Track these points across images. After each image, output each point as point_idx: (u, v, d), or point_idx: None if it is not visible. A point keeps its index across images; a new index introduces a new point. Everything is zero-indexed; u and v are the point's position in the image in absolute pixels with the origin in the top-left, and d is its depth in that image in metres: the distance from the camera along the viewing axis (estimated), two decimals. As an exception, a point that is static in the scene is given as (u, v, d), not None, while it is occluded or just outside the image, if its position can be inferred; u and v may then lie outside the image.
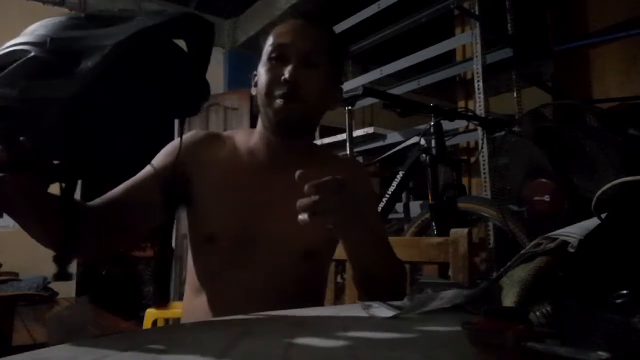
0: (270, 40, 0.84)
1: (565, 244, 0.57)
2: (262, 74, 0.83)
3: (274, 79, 0.81)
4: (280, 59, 0.82)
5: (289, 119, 0.81)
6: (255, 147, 0.88)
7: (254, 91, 0.90)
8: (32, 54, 0.47)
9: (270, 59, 0.83)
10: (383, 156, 2.45)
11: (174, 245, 4.23)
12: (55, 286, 3.42)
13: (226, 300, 0.82)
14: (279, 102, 0.80)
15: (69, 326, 0.56)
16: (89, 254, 0.85)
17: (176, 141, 0.81)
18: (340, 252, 0.90)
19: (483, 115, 2.10)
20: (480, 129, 2.17)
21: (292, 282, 0.84)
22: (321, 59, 0.83)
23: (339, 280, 1.38)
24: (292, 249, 0.84)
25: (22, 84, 0.46)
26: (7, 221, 3.66)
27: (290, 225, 0.67)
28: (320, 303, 0.95)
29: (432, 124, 1.94)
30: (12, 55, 0.48)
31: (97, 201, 0.78)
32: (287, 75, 0.79)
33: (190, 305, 0.87)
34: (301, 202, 0.63)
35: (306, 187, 0.63)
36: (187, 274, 0.91)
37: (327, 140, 3.03)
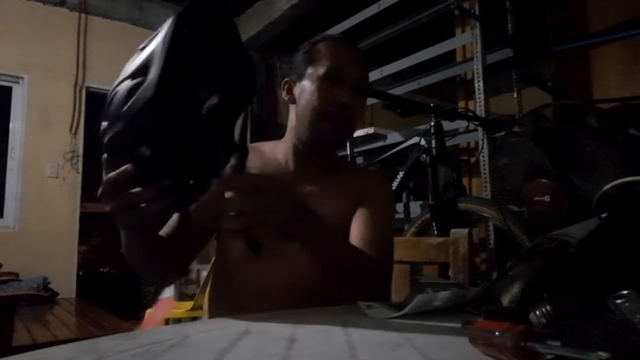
0: (323, 60, 0.89)
1: (565, 244, 0.57)
2: (313, 90, 0.88)
3: (329, 100, 0.87)
4: (335, 80, 0.87)
5: (336, 140, 0.91)
6: (284, 155, 0.94)
7: (285, 97, 0.96)
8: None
9: (325, 77, 0.87)
10: (383, 156, 2.45)
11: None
12: (55, 286, 3.42)
13: (249, 290, 0.86)
14: (330, 124, 0.87)
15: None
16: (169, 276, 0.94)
17: None
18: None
19: (483, 115, 2.10)
20: (480, 129, 2.17)
21: (311, 277, 0.85)
22: (365, 87, 0.92)
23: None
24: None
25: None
26: (7, 221, 3.66)
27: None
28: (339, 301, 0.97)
29: (432, 124, 1.94)
30: None
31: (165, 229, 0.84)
32: (345, 99, 0.86)
33: (215, 295, 0.94)
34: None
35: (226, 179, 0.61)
36: (213, 269, 0.99)
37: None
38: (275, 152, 0.95)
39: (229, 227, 0.60)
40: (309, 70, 0.90)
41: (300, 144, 0.92)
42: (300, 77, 0.91)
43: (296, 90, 0.92)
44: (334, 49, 0.90)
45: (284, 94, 0.95)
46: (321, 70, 0.88)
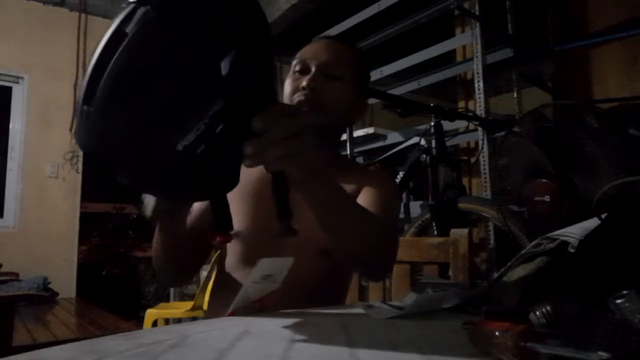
0: (296, 57, 0.94)
1: (565, 244, 0.57)
2: (285, 85, 0.93)
3: (294, 88, 0.90)
4: (302, 71, 0.91)
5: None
6: None
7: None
8: None
9: (293, 72, 0.92)
10: (383, 156, 2.45)
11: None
12: (55, 286, 3.42)
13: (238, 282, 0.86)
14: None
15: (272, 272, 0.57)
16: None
17: None
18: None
19: (483, 115, 2.10)
20: (480, 129, 2.17)
21: (309, 277, 0.86)
22: (340, 71, 0.90)
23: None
24: (311, 246, 0.85)
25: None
26: (7, 221, 3.66)
27: (309, 224, 0.68)
28: (339, 301, 0.96)
29: (432, 124, 1.94)
30: None
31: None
32: (304, 83, 0.88)
33: (214, 295, 0.95)
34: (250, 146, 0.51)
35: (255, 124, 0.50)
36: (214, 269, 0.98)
37: (327, 140, 3.03)
38: None
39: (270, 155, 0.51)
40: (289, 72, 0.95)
41: None
42: None
43: None
44: (306, 47, 0.95)
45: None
46: (292, 66, 0.93)
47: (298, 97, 0.88)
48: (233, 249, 0.90)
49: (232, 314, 0.71)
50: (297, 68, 0.91)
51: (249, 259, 0.87)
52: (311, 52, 0.92)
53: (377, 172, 1.08)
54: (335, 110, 0.90)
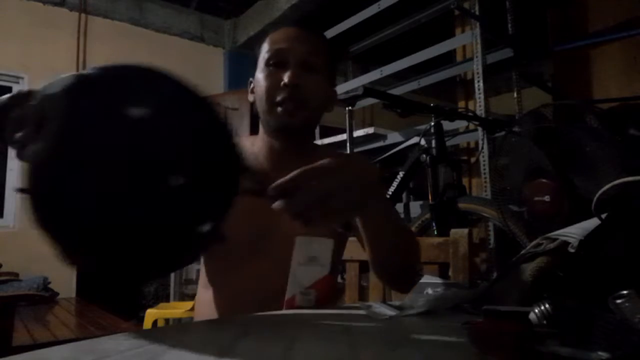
0: (266, 47, 0.85)
1: (565, 244, 0.57)
2: (260, 80, 0.85)
3: (274, 84, 0.82)
4: (278, 64, 0.83)
5: (290, 123, 0.83)
6: (260, 152, 0.90)
7: (251, 97, 0.91)
8: None
9: (267, 64, 0.84)
10: (383, 156, 2.45)
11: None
12: (55, 286, 3.42)
13: (232, 294, 0.84)
14: (279, 108, 0.82)
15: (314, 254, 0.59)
16: None
17: None
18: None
19: (483, 115, 2.10)
20: (480, 129, 2.17)
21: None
22: (318, 63, 0.85)
23: (339, 280, 1.38)
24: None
25: None
26: (7, 221, 3.66)
27: (295, 225, 0.67)
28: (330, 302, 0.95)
29: (432, 124, 1.94)
30: None
31: None
32: (286, 79, 0.80)
33: (201, 298, 0.91)
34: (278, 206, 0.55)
35: (269, 190, 0.55)
36: (200, 271, 0.95)
37: (327, 140, 3.04)
38: (253, 147, 0.92)
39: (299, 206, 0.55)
40: (259, 64, 0.87)
41: (268, 136, 0.88)
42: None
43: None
44: (276, 34, 0.86)
45: (249, 95, 0.92)
46: (264, 57, 0.85)
47: (280, 95, 0.81)
48: (222, 249, 0.88)
49: (292, 302, 0.68)
50: (272, 60, 0.83)
51: (238, 260, 0.84)
52: (285, 42, 0.84)
53: (356, 157, 1.04)
54: (315, 105, 0.85)
